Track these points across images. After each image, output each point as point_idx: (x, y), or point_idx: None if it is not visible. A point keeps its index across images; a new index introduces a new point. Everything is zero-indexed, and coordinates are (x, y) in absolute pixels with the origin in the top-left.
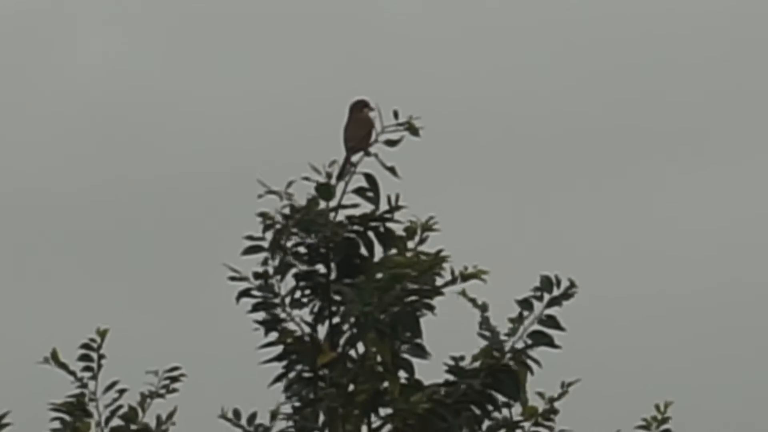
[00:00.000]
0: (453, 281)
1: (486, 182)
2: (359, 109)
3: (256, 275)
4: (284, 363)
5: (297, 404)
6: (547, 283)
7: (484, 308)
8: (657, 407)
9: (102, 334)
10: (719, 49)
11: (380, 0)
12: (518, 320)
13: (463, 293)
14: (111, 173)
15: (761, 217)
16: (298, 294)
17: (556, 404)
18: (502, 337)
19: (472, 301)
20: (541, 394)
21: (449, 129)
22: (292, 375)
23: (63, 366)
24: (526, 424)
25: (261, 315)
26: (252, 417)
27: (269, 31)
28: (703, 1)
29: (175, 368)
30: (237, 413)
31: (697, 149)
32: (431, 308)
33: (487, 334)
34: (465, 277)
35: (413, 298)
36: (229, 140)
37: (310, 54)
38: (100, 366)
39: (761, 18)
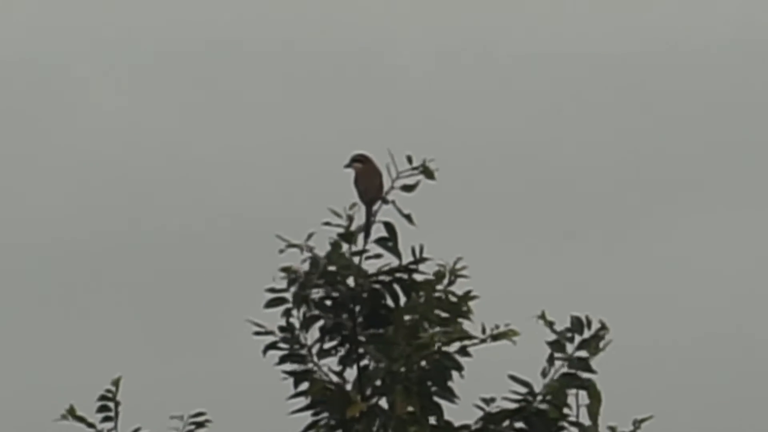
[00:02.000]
0: (483, 341)
1: (500, 229)
2: (364, 161)
3: (282, 328)
4: (312, 412)
5: None
6: (577, 324)
7: (552, 324)
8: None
9: (116, 382)
10: (715, 101)
11: (390, 57)
12: (549, 361)
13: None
14: (125, 221)
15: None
16: (325, 344)
17: None
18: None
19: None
20: (612, 429)
21: (463, 177)
22: (322, 423)
23: (81, 419)
24: None
25: (288, 366)
26: None
27: (281, 86)
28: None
29: (200, 413)
30: None
31: (702, 197)
32: (459, 369)
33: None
34: (495, 337)
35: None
36: (240, 191)
37: (324, 109)
38: (117, 414)
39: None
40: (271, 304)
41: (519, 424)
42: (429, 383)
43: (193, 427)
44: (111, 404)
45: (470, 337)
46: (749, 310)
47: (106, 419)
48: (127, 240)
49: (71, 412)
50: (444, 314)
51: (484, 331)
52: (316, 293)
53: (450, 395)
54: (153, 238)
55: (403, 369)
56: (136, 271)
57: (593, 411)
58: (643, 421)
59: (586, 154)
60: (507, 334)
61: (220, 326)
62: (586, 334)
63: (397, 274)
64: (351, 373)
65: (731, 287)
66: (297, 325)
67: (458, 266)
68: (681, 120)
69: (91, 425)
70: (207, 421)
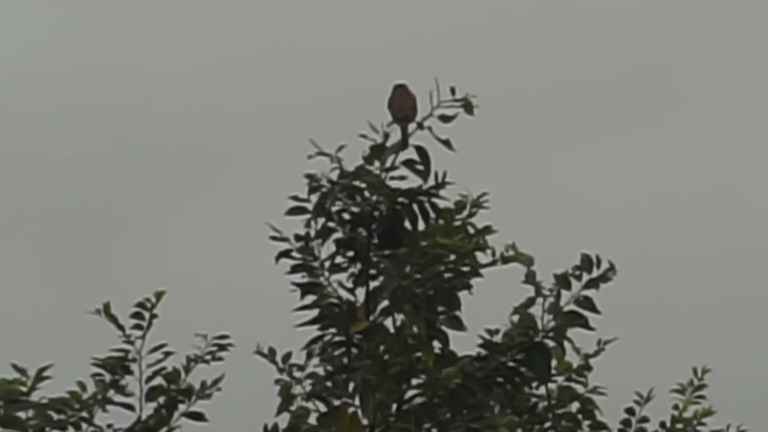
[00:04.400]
0: (494, 263)
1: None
2: (402, 87)
3: (297, 237)
4: (318, 326)
5: (330, 369)
6: (587, 263)
7: (530, 262)
8: (694, 371)
9: (159, 295)
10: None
11: None
12: (556, 297)
13: (514, 247)
14: None
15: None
16: (338, 259)
17: (591, 361)
18: (545, 292)
19: (521, 256)
20: (576, 350)
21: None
22: (326, 339)
23: (114, 319)
24: (559, 379)
25: (299, 277)
26: (287, 356)
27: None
28: None
29: (224, 336)
30: (272, 350)
31: (600, 123)
32: (469, 287)
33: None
34: (506, 260)
35: (451, 275)
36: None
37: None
38: (150, 325)
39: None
40: (294, 212)
41: (519, 356)
42: (437, 304)
43: (215, 348)
44: (146, 314)
45: (483, 248)
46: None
47: (137, 327)
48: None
49: (106, 310)
50: (459, 244)
51: (494, 254)
52: (338, 205)
53: (457, 324)
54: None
55: (412, 287)
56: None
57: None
58: (607, 342)
59: (487, 79)
60: (517, 258)
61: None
62: (595, 272)
63: (419, 197)
64: (361, 296)
65: (629, 213)
66: (313, 235)
67: (482, 199)
68: (576, 47)
69: (121, 327)
70: (229, 344)
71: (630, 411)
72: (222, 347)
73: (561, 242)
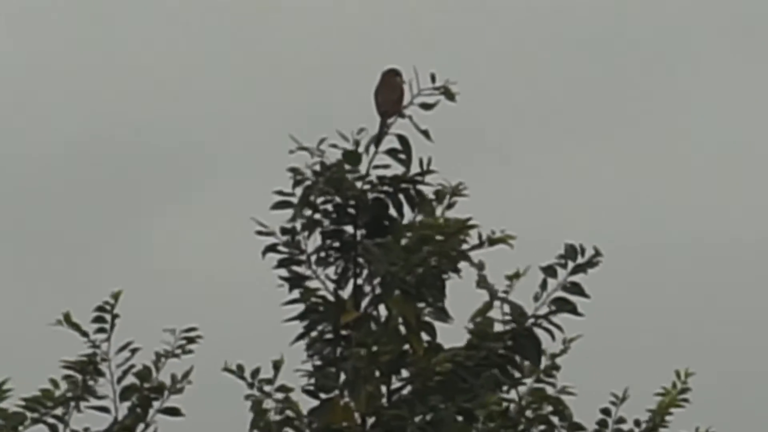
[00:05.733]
0: (480, 245)
1: None
2: (391, 75)
3: (284, 230)
4: (306, 322)
5: (318, 363)
6: (571, 251)
7: (480, 267)
8: (677, 374)
9: (116, 295)
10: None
11: None
12: (542, 286)
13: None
14: None
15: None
16: (324, 252)
17: (558, 360)
18: (501, 295)
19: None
20: (543, 351)
21: None
22: (314, 334)
23: (76, 327)
24: (528, 381)
25: (286, 272)
26: (256, 371)
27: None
28: None
29: (192, 329)
30: (240, 367)
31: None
32: (457, 271)
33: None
34: (492, 242)
35: (439, 259)
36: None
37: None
38: (113, 326)
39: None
40: (279, 206)
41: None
42: (425, 291)
43: (183, 342)
44: (108, 316)
45: (470, 227)
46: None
47: (100, 330)
48: None
49: (66, 319)
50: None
51: (480, 237)
52: (323, 197)
53: (443, 315)
54: None
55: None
56: None
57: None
58: (572, 340)
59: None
60: (504, 239)
61: None
62: (580, 259)
63: (403, 185)
64: (347, 291)
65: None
66: (299, 228)
67: (461, 187)
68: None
69: (84, 334)
70: (198, 336)
71: (606, 411)
72: (191, 340)
73: (527, 244)
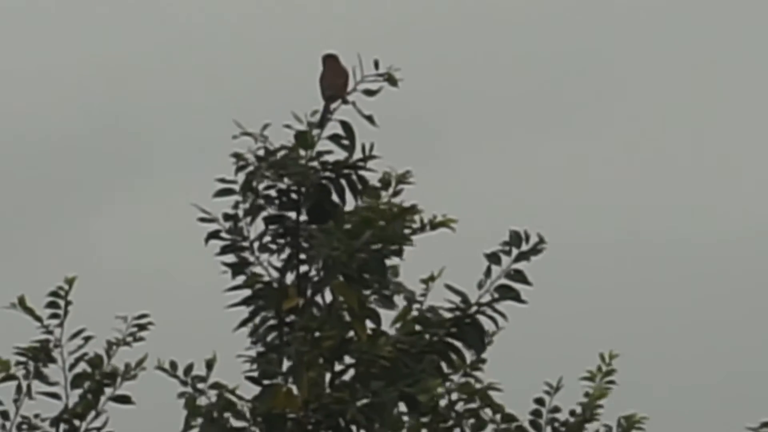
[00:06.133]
0: (422, 229)
1: None
2: (333, 60)
3: (226, 217)
4: (251, 308)
5: (262, 349)
6: (515, 238)
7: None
8: (602, 357)
9: (70, 281)
10: None
11: None
12: (486, 274)
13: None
14: None
15: None
16: (267, 238)
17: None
18: (419, 298)
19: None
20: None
21: None
22: (257, 320)
23: (30, 311)
24: (455, 377)
25: (229, 258)
26: (189, 368)
27: None
28: None
29: (144, 315)
30: (173, 364)
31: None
32: (399, 254)
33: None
34: (434, 225)
35: (381, 245)
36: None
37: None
38: (66, 313)
39: None
40: (221, 193)
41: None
42: (368, 275)
43: (135, 329)
44: (61, 301)
45: (412, 212)
46: None
47: (54, 316)
48: None
49: (21, 302)
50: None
51: (422, 221)
52: (265, 183)
53: (388, 302)
54: None
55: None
56: None
57: None
58: (494, 334)
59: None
60: (446, 223)
61: None
62: (524, 247)
63: (345, 170)
64: (290, 278)
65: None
66: (242, 215)
67: (407, 174)
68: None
69: (38, 318)
70: (149, 323)
71: (539, 401)
72: (142, 327)
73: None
